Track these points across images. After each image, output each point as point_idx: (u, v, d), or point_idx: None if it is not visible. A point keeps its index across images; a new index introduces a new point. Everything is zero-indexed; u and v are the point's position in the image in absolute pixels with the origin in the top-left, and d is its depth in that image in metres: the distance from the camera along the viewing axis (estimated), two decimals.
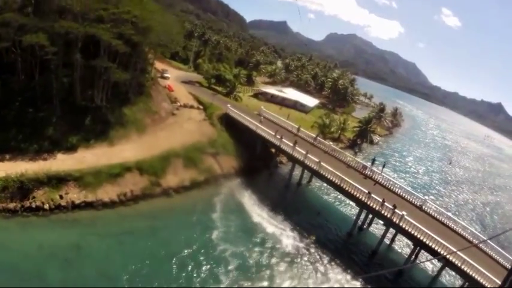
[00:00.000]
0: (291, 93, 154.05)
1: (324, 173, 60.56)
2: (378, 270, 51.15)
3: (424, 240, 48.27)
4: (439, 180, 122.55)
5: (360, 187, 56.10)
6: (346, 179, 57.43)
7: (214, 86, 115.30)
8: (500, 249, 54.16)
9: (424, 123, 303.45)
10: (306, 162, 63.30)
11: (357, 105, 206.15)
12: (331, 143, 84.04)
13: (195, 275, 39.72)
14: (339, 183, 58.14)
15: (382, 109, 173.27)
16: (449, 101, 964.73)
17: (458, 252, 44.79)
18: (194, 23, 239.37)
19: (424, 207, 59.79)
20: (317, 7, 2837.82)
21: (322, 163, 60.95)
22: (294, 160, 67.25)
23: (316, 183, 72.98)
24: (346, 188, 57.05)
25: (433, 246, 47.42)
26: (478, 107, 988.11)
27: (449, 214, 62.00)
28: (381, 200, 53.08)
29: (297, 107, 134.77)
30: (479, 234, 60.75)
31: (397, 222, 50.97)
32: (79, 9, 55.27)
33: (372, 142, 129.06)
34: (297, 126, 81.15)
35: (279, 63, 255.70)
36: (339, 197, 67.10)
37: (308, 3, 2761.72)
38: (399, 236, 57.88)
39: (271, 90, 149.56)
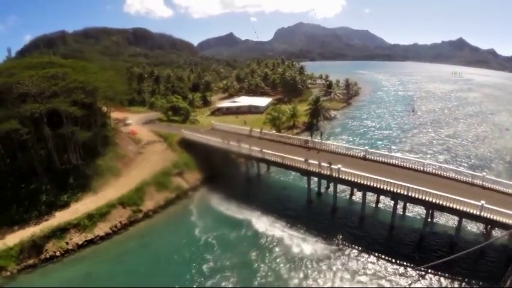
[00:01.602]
0: (244, 100, 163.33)
1: (268, 158, 70.23)
2: (342, 224, 59.12)
3: (364, 182, 56.43)
4: (401, 130, 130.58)
5: (296, 158, 64.95)
6: (285, 155, 66.61)
7: (173, 118, 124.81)
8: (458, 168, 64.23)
9: (385, 84, 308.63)
10: (252, 154, 72.89)
11: (315, 90, 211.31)
12: (273, 131, 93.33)
13: (190, 262, 50.77)
14: (281, 161, 67.58)
15: (329, 85, 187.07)
16: (411, 54, 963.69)
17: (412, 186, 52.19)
18: (142, 65, 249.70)
19: (367, 156, 68.08)
20: (257, 9, 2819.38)
21: (264, 150, 70.20)
22: (243, 156, 77.69)
23: (273, 169, 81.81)
24: (288, 163, 66.49)
25: (373, 185, 55.48)
26: (441, 49, 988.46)
27: (397, 155, 71.68)
28: (317, 163, 61.75)
29: (252, 111, 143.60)
30: (430, 162, 68.32)
31: (336, 175, 59.45)
32: (35, 91, 65.26)
33: (328, 118, 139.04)
34: (248, 129, 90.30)
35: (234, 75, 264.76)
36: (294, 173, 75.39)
37: (248, 8, 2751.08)
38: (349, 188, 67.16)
39: (225, 103, 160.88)
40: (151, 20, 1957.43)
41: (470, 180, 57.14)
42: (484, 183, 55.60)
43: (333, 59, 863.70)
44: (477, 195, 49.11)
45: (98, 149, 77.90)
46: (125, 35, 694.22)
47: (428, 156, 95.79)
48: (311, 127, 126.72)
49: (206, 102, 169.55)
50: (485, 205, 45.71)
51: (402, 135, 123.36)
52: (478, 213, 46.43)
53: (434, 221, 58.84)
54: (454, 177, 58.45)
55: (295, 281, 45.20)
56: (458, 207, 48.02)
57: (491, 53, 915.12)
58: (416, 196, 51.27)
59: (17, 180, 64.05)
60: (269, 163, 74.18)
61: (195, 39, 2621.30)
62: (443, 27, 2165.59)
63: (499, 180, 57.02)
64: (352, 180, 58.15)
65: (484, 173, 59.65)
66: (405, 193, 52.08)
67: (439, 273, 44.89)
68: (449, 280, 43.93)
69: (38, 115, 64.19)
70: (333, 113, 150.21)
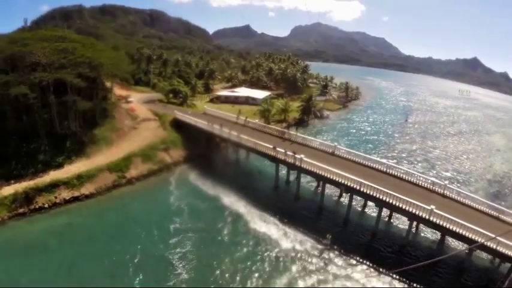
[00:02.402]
0: (243, 91, 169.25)
1: (243, 142, 76.77)
2: (301, 211, 64.11)
3: (321, 173, 61.37)
4: (387, 136, 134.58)
5: (265, 144, 71.36)
6: (258, 141, 72.94)
7: (172, 100, 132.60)
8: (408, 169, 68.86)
9: (389, 92, 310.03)
10: (230, 137, 79.58)
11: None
12: (257, 121, 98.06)
13: (160, 221, 58.35)
14: (253, 147, 74.05)
15: (325, 86, 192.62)
16: (425, 67, 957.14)
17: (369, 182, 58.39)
18: (153, 48, 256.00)
19: (335, 152, 73.06)
20: (276, 4, 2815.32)
21: (241, 135, 76.70)
22: (223, 139, 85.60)
23: (253, 156, 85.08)
24: (259, 149, 72.87)
25: (329, 176, 60.34)
26: (455, 67, 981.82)
27: (359, 153, 74.27)
28: (283, 151, 67.69)
29: (249, 102, 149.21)
30: (393, 165, 71.28)
31: (299, 164, 64.90)
32: (45, 61, 73.12)
33: (319, 117, 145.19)
34: (235, 115, 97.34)
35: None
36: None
37: (266, 2, 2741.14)
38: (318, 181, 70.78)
39: (224, 92, 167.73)
40: (170, 3, 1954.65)
41: (430, 187, 60.80)
42: (445, 192, 58.88)
43: (347, 63, 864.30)
44: (431, 202, 52.14)
45: (97, 119, 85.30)
46: (142, 16, 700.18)
47: (405, 162, 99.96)
48: (301, 123, 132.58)
49: (208, 89, 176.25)
50: (434, 210, 48.96)
51: (387, 141, 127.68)
52: (426, 216, 49.83)
53: (384, 218, 62.12)
54: (415, 182, 62.33)
55: (244, 249, 52.10)
56: (407, 208, 51.71)
57: (504, 76, 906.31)
58: (368, 192, 55.62)
59: (20, 139, 71.44)
60: (244, 147, 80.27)
61: (211, 27, 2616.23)
62: (459, 45, 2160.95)
63: (464, 191, 61.37)
64: (312, 170, 63.41)
65: (447, 182, 63.57)
66: (357, 188, 56.46)
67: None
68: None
69: (45, 83, 71.96)
70: (326, 112, 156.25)
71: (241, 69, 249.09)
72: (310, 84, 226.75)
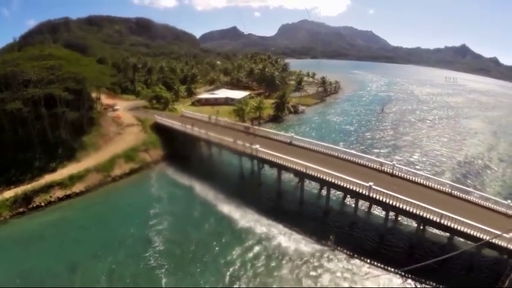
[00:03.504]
0: (222, 93, 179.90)
1: (211, 139, 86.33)
2: (263, 197, 72.86)
3: (273, 159, 70.26)
4: (360, 126, 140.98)
5: (227, 139, 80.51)
6: (223, 137, 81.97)
7: (156, 106, 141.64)
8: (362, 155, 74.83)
9: (372, 84, 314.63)
10: (200, 135, 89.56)
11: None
12: (226, 119, 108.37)
13: (142, 208, 69.18)
14: (219, 142, 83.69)
15: (299, 82, 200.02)
16: (414, 57, 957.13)
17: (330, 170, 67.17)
18: (138, 56, 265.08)
19: (293, 142, 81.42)
20: (260, 3, 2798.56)
21: (209, 133, 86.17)
22: (194, 137, 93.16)
23: (225, 151, 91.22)
24: (223, 143, 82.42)
25: (278, 162, 69.30)
26: (444, 55, 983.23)
27: (314, 141, 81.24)
28: (241, 143, 77.25)
29: (228, 103, 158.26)
30: (347, 150, 77.43)
31: (255, 154, 73.72)
32: (36, 78, 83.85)
33: (293, 112, 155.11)
34: (207, 116, 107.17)
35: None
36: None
37: (251, 2, 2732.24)
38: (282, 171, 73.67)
39: (205, 95, 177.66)
40: (155, 10, 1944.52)
41: (379, 167, 67.07)
42: (393, 171, 64.77)
43: (335, 58, 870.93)
44: (378, 181, 57.65)
45: (84, 127, 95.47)
46: (128, 24, 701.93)
47: (372, 149, 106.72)
48: (276, 119, 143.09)
49: (191, 93, 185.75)
50: (373, 186, 54.64)
51: (358, 130, 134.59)
52: (366, 192, 55.81)
53: (333, 197, 68.31)
54: (364, 164, 69.12)
55: (211, 226, 62.47)
56: (348, 186, 58.34)
57: (494, 61, 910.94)
58: (313, 174, 63.04)
59: (17, 149, 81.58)
60: (211, 143, 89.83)
61: (198, 31, 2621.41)
62: (447, 33, 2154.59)
63: (412, 170, 68.10)
64: (266, 158, 72.17)
65: (394, 162, 69.35)
66: (304, 171, 64.20)
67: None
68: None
69: (37, 98, 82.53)
70: (301, 108, 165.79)
71: (224, 71, 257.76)
72: (291, 82, 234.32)
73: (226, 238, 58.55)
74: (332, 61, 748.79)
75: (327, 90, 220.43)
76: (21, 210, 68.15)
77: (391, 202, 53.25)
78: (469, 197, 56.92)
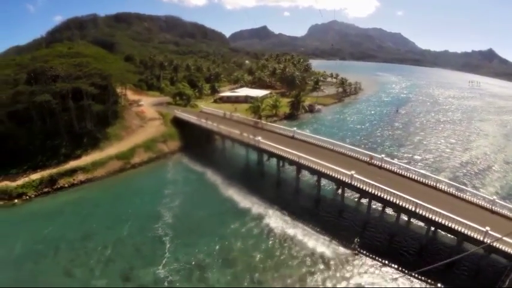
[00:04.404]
0: (242, 91, 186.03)
1: (220, 131, 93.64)
2: (265, 184, 79.40)
3: (272, 150, 76.08)
4: (371, 125, 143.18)
5: (235, 131, 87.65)
6: (231, 130, 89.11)
7: (179, 102, 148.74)
8: (349, 146, 78.23)
9: (394, 86, 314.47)
10: (212, 128, 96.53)
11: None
12: (239, 115, 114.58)
13: (158, 189, 76.81)
14: (228, 134, 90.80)
15: (316, 82, 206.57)
16: (441, 60, 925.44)
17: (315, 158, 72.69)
18: (164, 54, 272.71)
19: (295, 136, 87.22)
20: (290, 3, 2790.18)
21: (220, 126, 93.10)
22: (207, 130, 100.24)
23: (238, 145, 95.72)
24: (232, 136, 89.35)
25: (277, 152, 74.92)
26: (471, 59, 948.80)
27: (314, 135, 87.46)
28: (246, 135, 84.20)
29: (248, 100, 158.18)
30: (343, 144, 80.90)
31: (257, 145, 79.90)
32: (64, 74, 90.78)
33: (308, 111, 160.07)
34: (224, 112, 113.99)
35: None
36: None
37: (281, 2, 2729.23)
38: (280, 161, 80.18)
39: (226, 93, 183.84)
40: (185, 8, 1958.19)
41: (368, 159, 71.30)
42: (382, 164, 68.86)
43: (363, 60, 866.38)
44: (358, 170, 61.47)
45: (109, 120, 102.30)
46: (157, 22, 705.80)
47: (376, 147, 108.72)
48: (291, 117, 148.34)
49: (214, 91, 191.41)
50: (354, 175, 58.82)
51: (369, 128, 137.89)
52: (348, 180, 60.25)
53: (322, 185, 72.74)
54: (355, 156, 73.55)
55: (215, 206, 69.34)
56: (334, 175, 62.82)
57: None
58: (306, 164, 68.31)
59: (45, 138, 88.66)
60: (221, 135, 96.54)
61: (227, 30, 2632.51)
62: (475, 37, 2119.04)
63: (403, 165, 71.58)
64: (266, 149, 78.53)
65: (383, 155, 71.82)
66: (297, 160, 69.76)
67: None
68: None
69: (65, 91, 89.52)
70: (318, 107, 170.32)
71: (248, 70, 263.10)
72: (310, 82, 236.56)
73: (226, 216, 64.99)
74: (359, 63, 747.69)
75: (346, 91, 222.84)
76: (45, 190, 74.95)
77: (370, 190, 57.38)
78: (446, 188, 60.35)
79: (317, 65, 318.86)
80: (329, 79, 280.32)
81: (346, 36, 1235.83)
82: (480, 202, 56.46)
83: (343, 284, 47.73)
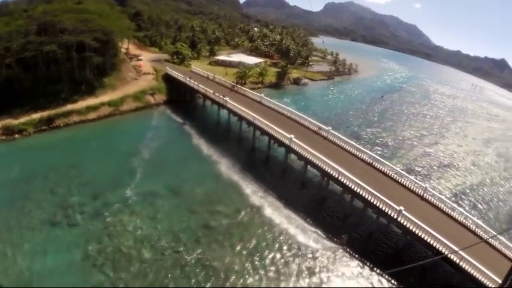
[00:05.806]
0: (237, 57, 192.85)
1: (199, 89, 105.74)
2: (226, 139, 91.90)
3: (241, 113, 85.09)
4: (349, 107, 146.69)
5: (209, 90, 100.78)
6: (207, 89, 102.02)
7: (175, 60, 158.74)
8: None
9: (393, 74, 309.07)
10: (193, 86, 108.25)
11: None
12: (220, 77, 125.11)
13: (141, 132, 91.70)
14: (204, 93, 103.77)
15: (306, 57, 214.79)
16: (453, 60, 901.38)
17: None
18: (171, 15, 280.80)
19: (262, 101, 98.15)
20: None
21: (200, 84, 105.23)
22: (189, 87, 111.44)
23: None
24: (207, 94, 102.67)
25: (237, 111, 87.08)
26: (482, 64, 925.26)
27: (276, 103, 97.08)
28: (217, 94, 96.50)
29: (240, 67, 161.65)
30: (300, 114, 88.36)
31: (223, 103, 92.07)
32: (70, 28, 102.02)
33: (297, 83, 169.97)
34: (208, 74, 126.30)
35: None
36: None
37: None
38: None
39: (221, 57, 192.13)
40: None
41: (317, 129, 79.72)
42: (327, 135, 76.58)
43: (374, 44, 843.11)
44: (299, 134, 71.53)
45: (106, 71, 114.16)
46: None
47: (342, 124, 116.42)
48: (276, 86, 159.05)
49: (212, 54, 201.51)
50: (293, 138, 66.95)
51: (345, 108, 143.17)
52: (287, 142, 69.30)
53: (274, 144, 79.90)
54: (305, 125, 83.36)
55: (185, 149, 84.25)
56: (276, 135, 73.31)
57: None
58: (259, 125, 78.36)
59: (48, 83, 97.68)
60: (200, 93, 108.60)
61: None
62: (489, 43, 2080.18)
63: (346, 139, 76.06)
64: (230, 108, 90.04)
65: (329, 128, 78.82)
66: (252, 120, 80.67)
67: None
68: None
69: (70, 43, 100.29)
70: (304, 80, 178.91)
71: (249, 38, 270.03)
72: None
73: (190, 159, 79.08)
74: (370, 46, 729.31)
75: (339, 70, 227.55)
76: (43, 128, 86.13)
77: (304, 153, 65.67)
78: (380, 167, 66.18)
79: (326, 42, 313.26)
80: (329, 57, 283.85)
81: (361, 19, 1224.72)
82: (411, 187, 60.96)
83: None
